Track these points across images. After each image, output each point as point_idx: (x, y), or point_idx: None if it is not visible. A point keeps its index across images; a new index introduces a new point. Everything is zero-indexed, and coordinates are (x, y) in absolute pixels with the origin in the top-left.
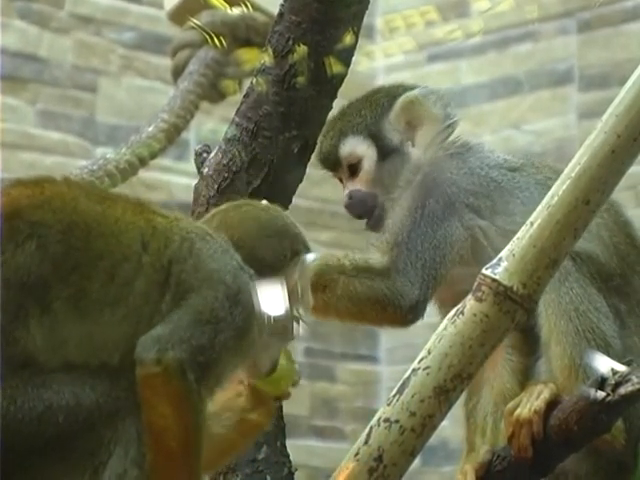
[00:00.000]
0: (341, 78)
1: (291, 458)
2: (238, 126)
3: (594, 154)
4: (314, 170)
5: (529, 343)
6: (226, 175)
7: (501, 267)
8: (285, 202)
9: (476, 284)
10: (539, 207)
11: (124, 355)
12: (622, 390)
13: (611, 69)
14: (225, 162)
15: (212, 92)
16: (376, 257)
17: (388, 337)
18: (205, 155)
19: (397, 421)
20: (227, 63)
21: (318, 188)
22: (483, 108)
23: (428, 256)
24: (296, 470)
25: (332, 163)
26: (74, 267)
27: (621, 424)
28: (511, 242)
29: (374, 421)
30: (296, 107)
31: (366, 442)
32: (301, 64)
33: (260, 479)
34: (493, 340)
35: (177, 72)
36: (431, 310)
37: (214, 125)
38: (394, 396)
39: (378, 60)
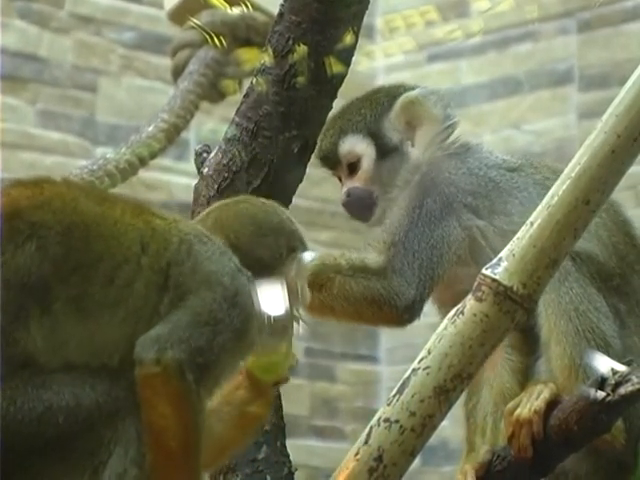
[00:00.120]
0: (341, 78)
1: (291, 458)
2: (238, 126)
3: (594, 154)
4: (314, 170)
5: (529, 343)
6: (226, 175)
7: (501, 267)
8: (285, 202)
9: (476, 284)
10: (539, 207)
11: (124, 356)
12: (622, 390)
13: (611, 69)
14: (225, 162)
15: (212, 92)
16: (373, 256)
17: (388, 337)
18: (205, 155)
19: (397, 421)
20: (227, 63)
21: (318, 188)
22: (483, 108)
23: (425, 256)
24: (296, 470)
25: (331, 161)
26: (74, 268)
27: (621, 424)
28: (511, 242)
29: (374, 421)
30: (296, 107)
31: (366, 442)
32: (301, 64)
33: (260, 479)
34: (493, 340)
35: (177, 72)
36: (431, 310)
37: (214, 125)
38: (394, 396)
39: (378, 60)
